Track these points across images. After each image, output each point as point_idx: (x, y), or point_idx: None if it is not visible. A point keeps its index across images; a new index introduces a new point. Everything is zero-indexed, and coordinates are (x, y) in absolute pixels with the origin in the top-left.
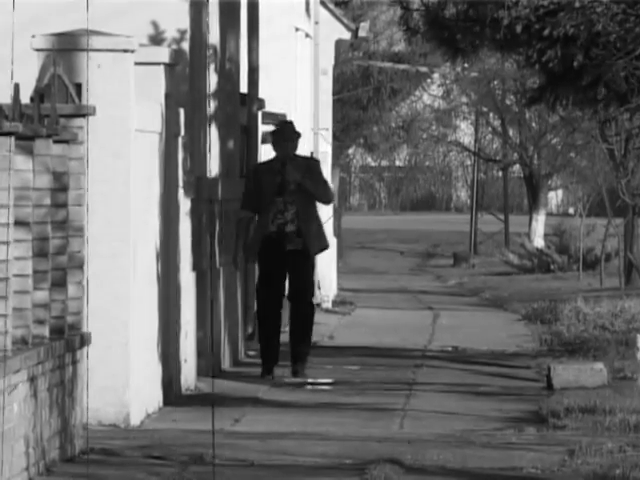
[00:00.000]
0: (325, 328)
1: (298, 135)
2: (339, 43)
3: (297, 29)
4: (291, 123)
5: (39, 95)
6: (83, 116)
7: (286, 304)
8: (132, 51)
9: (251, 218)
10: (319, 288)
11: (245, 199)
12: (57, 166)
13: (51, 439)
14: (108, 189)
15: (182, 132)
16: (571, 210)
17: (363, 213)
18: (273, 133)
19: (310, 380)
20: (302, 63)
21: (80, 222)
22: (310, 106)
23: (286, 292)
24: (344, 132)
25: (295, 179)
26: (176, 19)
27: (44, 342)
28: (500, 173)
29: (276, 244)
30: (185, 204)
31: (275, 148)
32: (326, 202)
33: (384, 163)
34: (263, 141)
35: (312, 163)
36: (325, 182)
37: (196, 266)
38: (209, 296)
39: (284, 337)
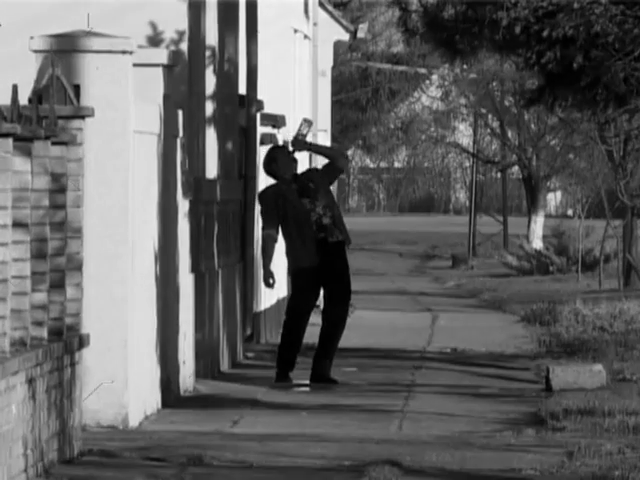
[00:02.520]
0: None
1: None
2: (338, 44)
3: (296, 30)
4: (284, 147)
5: (37, 96)
6: (82, 117)
7: None
8: (130, 52)
9: (275, 238)
10: None
11: (266, 219)
12: (56, 167)
13: (49, 441)
14: (106, 190)
15: (181, 133)
16: (570, 212)
17: (362, 214)
18: (271, 161)
19: (308, 382)
20: (301, 64)
21: (79, 223)
22: (309, 107)
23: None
24: (343, 133)
25: (304, 147)
26: (175, 20)
27: (42, 344)
28: (499, 175)
29: (320, 241)
30: (184, 205)
31: (288, 167)
32: (344, 161)
33: (383, 164)
34: (262, 142)
35: (314, 170)
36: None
37: (195, 267)
38: (208, 298)
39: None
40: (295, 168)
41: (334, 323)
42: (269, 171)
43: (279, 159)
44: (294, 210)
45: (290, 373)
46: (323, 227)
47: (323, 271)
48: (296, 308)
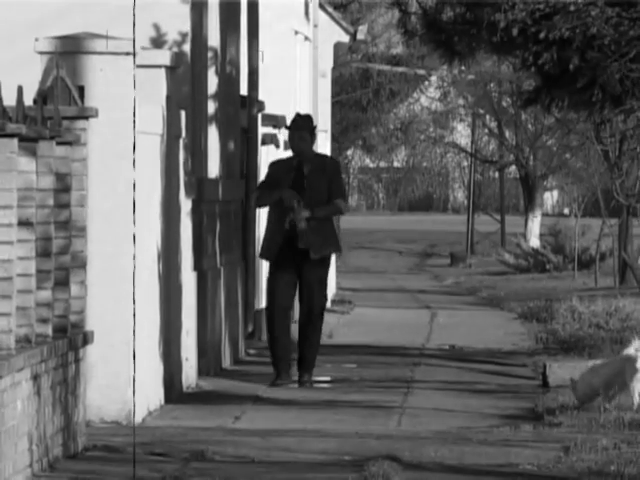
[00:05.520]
0: (324, 327)
1: (313, 126)
2: (338, 46)
3: (296, 32)
4: (307, 115)
5: (42, 97)
6: (86, 118)
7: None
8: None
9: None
10: None
11: (260, 186)
12: (60, 167)
13: (54, 436)
14: (110, 190)
15: (183, 134)
16: (566, 210)
17: (362, 213)
18: (288, 126)
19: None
20: (301, 66)
21: (83, 222)
22: (309, 108)
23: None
24: (343, 134)
25: (301, 217)
26: (177, 22)
27: (47, 341)
28: (496, 174)
29: (288, 242)
30: (186, 205)
31: (290, 142)
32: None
33: (382, 164)
34: (263, 143)
35: (330, 163)
36: (340, 189)
37: (197, 266)
38: (210, 295)
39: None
40: (305, 147)
41: (308, 332)
42: (311, 129)
43: (291, 135)
44: (278, 202)
45: (290, 370)
46: (296, 233)
47: (295, 269)
48: (269, 296)
